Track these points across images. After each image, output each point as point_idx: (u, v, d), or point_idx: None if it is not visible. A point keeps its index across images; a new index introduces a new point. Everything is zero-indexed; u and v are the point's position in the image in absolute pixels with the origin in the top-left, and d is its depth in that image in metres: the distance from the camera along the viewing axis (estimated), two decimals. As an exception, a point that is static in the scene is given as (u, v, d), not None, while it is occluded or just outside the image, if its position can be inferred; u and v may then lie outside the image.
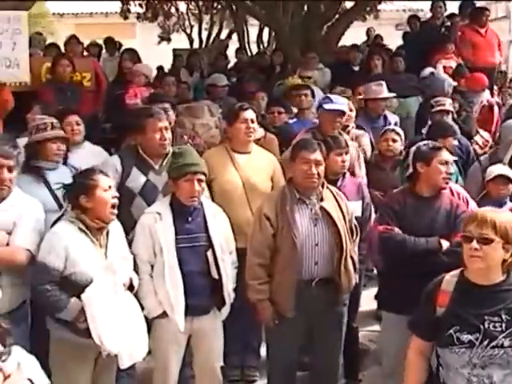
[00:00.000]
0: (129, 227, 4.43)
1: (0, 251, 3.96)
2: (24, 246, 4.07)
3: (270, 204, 4.46)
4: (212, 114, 6.94)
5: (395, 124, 7.14)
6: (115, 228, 4.18)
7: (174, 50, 17.33)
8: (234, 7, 17.08)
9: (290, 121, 7.08)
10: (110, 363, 4.05)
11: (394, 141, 6.21)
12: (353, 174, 5.50)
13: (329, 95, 6.14)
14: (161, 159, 4.92)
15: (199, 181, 4.38)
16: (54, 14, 24.46)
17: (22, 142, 5.06)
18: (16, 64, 5.80)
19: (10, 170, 4.06)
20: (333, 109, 5.63)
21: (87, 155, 5.38)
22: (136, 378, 4.88)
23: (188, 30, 21.07)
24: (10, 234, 4.07)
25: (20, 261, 4.04)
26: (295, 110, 7.33)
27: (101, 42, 12.42)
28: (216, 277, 4.39)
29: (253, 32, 18.63)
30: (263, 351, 5.18)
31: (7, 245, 4.06)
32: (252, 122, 5.22)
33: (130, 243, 4.37)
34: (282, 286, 4.38)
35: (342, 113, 5.68)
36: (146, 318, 4.21)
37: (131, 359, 3.96)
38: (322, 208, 4.42)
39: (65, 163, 4.93)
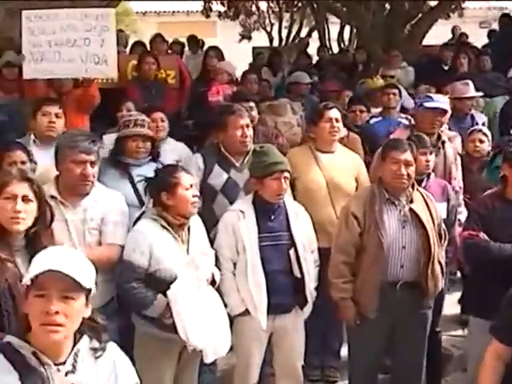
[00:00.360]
0: (211, 224, 4.46)
1: (97, 251, 4.03)
2: (116, 242, 4.15)
3: (357, 203, 4.41)
4: (294, 111, 6.92)
5: (483, 124, 6.94)
6: (196, 223, 4.20)
7: (254, 48, 17.38)
8: (314, 5, 17.01)
9: (374, 119, 7.00)
10: (194, 358, 4.08)
11: (482, 141, 6.05)
12: (450, 176, 5.38)
13: (429, 94, 6.02)
14: (242, 157, 4.93)
15: (285, 178, 4.37)
16: (136, 12, 24.85)
17: (109, 137, 5.16)
18: (104, 61, 5.85)
19: (92, 165, 4.09)
20: (434, 107, 5.49)
21: (171, 151, 5.43)
22: (217, 374, 4.92)
23: (268, 28, 21.09)
24: (98, 229, 4.14)
25: (115, 258, 4.11)
26: (374, 110, 7.23)
27: (183, 40, 12.56)
28: (298, 275, 4.37)
29: (333, 30, 18.53)
30: (343, 352, 5.14)
31: (100, 243, 4.15)
32: (336, 121, 5.17)
33: (212, 240, 4.38)
34: (365, 285, 4.32)
35: (444, 111, 5.55)
36: (228, 313, 4.22)
37: (215, 354, 3.99)
38: (411, 210, 4.34)
39: (154, 160, 4.88)
